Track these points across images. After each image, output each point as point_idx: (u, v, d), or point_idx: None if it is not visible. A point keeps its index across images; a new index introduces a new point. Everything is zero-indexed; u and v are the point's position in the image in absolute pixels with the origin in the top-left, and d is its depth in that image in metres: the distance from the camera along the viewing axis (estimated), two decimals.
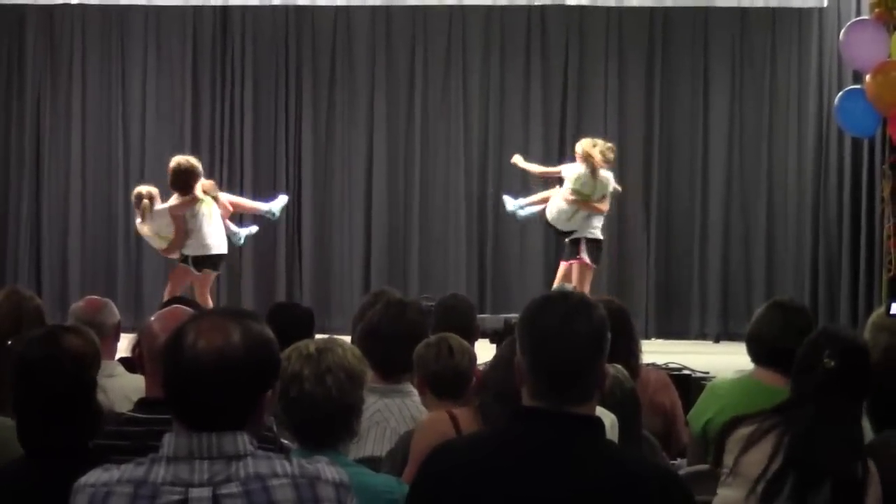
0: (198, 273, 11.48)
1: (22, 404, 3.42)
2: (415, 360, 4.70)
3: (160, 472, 2.60)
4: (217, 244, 11.50)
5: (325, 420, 3.55)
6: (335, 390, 3.55)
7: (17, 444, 3.43)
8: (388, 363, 4.93)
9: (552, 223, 12.08)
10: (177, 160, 11.54)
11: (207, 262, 11.48)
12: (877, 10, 10.78)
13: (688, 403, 5.85)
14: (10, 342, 4.05)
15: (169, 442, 2.63)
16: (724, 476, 4.01)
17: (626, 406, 4.42)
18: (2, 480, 3.34)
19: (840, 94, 11.36)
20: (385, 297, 5.81)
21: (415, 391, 4.94)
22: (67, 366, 3.41)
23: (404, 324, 5.16)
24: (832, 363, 4.01)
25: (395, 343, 4.95)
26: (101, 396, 4.92)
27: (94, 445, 3.60)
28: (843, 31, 11.17)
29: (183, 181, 11.39)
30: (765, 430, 3.99)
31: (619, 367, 4.57)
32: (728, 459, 4.02)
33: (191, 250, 11.43)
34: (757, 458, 3.95)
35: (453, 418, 4.19)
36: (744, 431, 4.03)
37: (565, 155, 13.08)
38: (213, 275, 11.67)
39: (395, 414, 4.89)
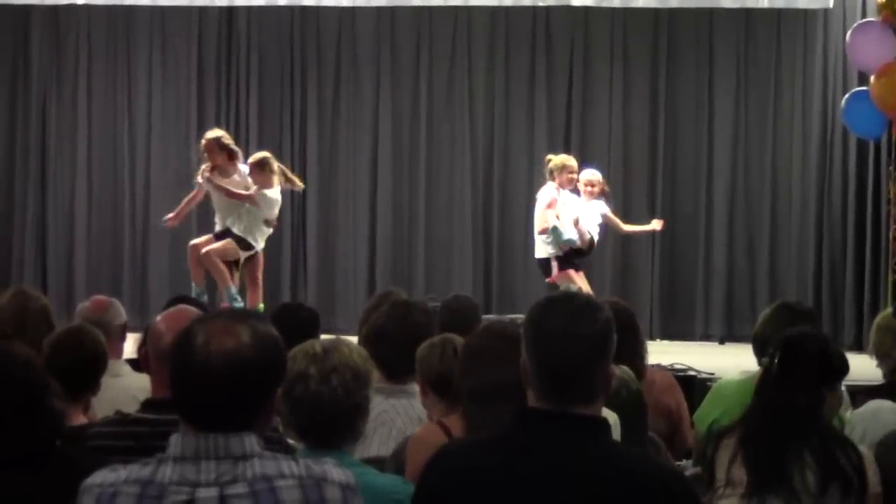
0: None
1: None
2: (417, 360, 4.67)
3: (167, 472, 2.61)
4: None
5: (331, 419, 3.55)
6: (341, 390, 3.55)
7: None
8: (393, 364, 4.92)
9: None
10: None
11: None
12: (883, 11, 10.76)
13: (693, 404, 5.86)
14: None
15: (176, 442, 2.64)
16: (720, 489, 4.05)
17: (631, 407, 4.42)
18: None
19: (847, 95, 11.35)
20: (391, 299, 5.81)
21: (417, 391, 4.95)
22: (16, 374, 3.40)
23: (410, 325, 5.15)
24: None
25: (400, 344, 4.94)
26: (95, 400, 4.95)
27: (98, 445, 3.60)
28: (849, 32, 11.16)
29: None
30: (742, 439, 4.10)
31: (625, 368, 4.58)
32: (720, 472, 4.06)
33: None
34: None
35: (444, 427, 4.18)
36: (728, 442, 4.09)
37: (569, 152, 13.03)
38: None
39: (402, 414, 4.89)
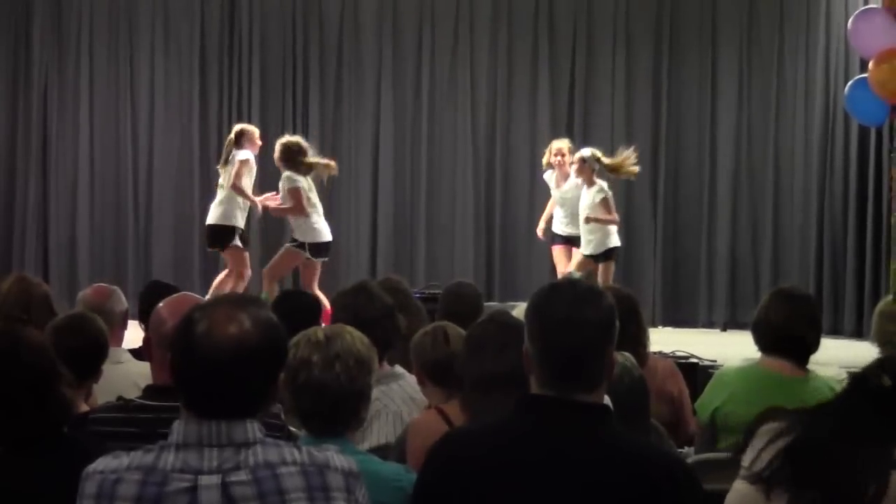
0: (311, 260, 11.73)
1: None
2: (412, 349, 4.67)
3: (169, 459, 2.60)
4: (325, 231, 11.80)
5: (333, 406, 3.55)
6: (344, 376, 3.55)
7: None
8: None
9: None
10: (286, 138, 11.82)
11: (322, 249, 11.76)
12: None
13: (695, 391, 5.85)
14: None
15: (178, 429, 2.63)
16: (744, 469, 3.94)
17: (634, 394, 4.41)
18: None
19: (850, 83, 11.34)
20: (344, 290, 5.65)
21: (405, 372, 4.95)
22: (26, 359, 3.40)
23: (373, 306, 5.16)
24: (889, 381, 3.89)
25: (370, 327, 4.88)
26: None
27: (99, 431, 3.60)
28: (851, 19, 11.14)
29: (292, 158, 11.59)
30: (785, 430, 3.91)
31: (627, 354, 4.57)
32: (750, 454, 3.95)
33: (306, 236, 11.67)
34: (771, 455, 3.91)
35: (443, 414, 4.18)
36: (771, 426, 3.93)
37: (572, 137, 13.06)
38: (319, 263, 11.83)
39: (395, 398, 4.89)
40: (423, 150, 14.45)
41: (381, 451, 4.24)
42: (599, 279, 11.40)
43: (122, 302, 6.00)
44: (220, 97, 14.56)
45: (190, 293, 4.27)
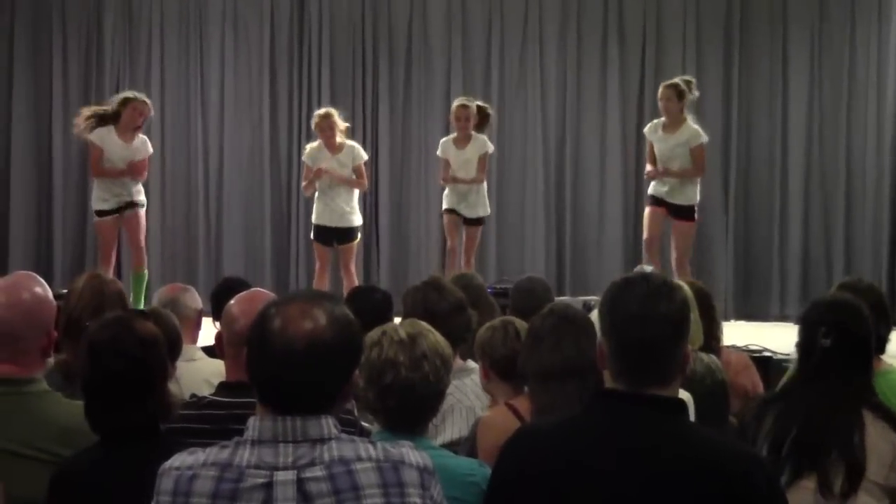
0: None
1: (88, 386, 3.46)
2: (479, 344, 4.66)
3: (245, 455, 2.61)
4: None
5: (419, 404, 3.57)
6: (432, 376, 3.56)
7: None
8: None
9: None
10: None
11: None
12: None
13: (769, 385, 5.82)
14: (88, 324, 4.08)
15: (253, 425, 2.64)
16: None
17: (714, 395, 4.41)
18: (75, 466, 3.38)
19: None
20: (415, 285, 5.67)
21: (477, 367, 4.94)
22: (132, 351, 3.42)
23: (443, 300, 5.16)
24: (828, 342, 3.95)
25: (440, 321, 4.88)
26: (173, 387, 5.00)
27: (173, 428, 3.62)
28: None
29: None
30: (765, 413, 3.95)
31: (712, 356, 4.56)
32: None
33: None
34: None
35: (513, 409, 4.18)
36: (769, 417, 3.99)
37: (643, 135, 12.99)
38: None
39: (469, 393, 4.89)
40: (493, 143, 14.39)
41: (455, 446, 4.24)
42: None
43: (197, 301, 6.03)
44: (290, 95, 14.59)
45: (261, 289, 4.28)
